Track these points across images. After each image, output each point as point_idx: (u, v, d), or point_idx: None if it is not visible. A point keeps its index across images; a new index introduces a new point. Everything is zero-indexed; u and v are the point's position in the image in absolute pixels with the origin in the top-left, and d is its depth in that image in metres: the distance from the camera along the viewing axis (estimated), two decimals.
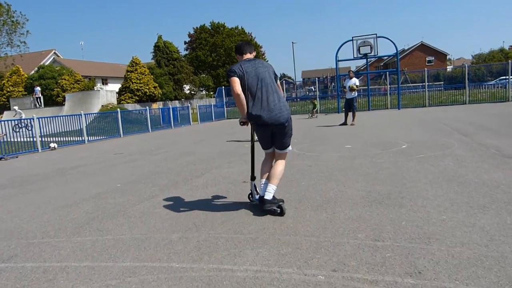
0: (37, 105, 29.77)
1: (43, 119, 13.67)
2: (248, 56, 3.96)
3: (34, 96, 30.21)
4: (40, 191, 5.94)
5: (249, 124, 3.92)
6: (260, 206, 3.86)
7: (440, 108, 20.51)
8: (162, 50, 47.30)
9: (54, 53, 56.34)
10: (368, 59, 23.66)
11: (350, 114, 13.99)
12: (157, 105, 38.81)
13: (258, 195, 4.02)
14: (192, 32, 63.11)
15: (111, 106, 25.75)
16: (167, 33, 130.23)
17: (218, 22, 62.20)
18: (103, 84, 54.17)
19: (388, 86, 25.95)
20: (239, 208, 4.11)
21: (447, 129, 10.36)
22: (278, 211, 3.74)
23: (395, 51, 22.75)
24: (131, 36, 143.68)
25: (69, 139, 15.24)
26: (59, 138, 15.19)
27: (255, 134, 3.99)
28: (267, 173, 3.93)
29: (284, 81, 41.25)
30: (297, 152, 8.07)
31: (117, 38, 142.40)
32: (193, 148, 10.29)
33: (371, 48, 21.87)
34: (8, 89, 38.15)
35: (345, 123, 13.97)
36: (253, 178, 4.16)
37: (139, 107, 35.36)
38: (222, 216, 3.87)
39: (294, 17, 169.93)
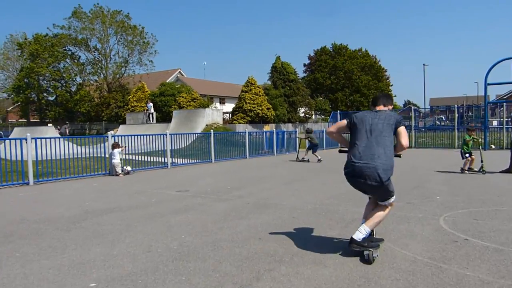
0: (149, 121, 29.81)
1: (121, 137, 11.94)
2: (380, 107, 3.83)
3: (146, 111, 30.41)
4: None
5: None
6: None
7: None
8: (279, 71, 45.70)
9: (179, 72, 59.09)
10: None
11: None
12: (269, 127, 36.90)
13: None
14: (312, 54, 60.99)
15: (216, 126, 24.17)
16: (286, 55, 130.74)
17: (341, 44, 59.00)
18: (220, 103, 54.75)
19: None
20: None
21: None
22: (366, 259, 3.42)
23: None
24: (251, 57, 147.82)
25: (155, 161, 13.43)
26: (147, 158, 13.51)
27: None
28: (366, 211, 3.83)
29: (410, 108, 36.07)
30: (445, 229, 4.44)
31: (238, 59, 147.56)
32: (281, 194, 7.20)
33: None
34: (132, 104, 40.02)
35: (510, 170, 9.53)
36: None
37: (251, 128, 33.73)
38: None
39: (423, 41, 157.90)
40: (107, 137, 11.27)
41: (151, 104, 30.79)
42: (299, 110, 47.39)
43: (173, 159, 13.65)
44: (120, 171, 10.79)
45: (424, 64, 46.71)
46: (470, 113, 41.35)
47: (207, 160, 14.63)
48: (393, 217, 5.16)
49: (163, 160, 13.26)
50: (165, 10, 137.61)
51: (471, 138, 9.95)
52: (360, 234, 3.51)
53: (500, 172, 9.65)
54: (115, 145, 11.08)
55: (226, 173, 11.15)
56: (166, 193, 7.65)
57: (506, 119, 21.14)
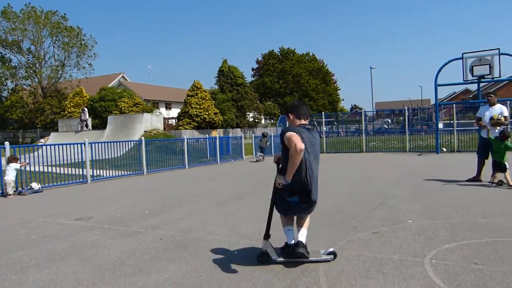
0: (84, 128, 27.11)
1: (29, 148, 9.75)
2: (304, 122, 3.61)
3: (81, 118, 27.67)
4: None
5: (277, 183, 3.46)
6: (292, 251, 3.48)
7: None
8: (226, 75, 44.21)
9: (122, 76, 55.91)
10: (481, 84, 17.76)
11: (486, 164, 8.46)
12: (216, 133, 35.25)
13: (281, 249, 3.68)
14: (260, 58, 60.06)
15: (155, 132, 22.12)
16: (234, 59, 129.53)
17: (288, 48, 58.59)
18: (166, 108, 52.28)
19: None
20: None
21: None
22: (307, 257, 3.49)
23: None
24: (198, 61, 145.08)
25: (76, 174, 11.31)
26: (69, 171, 11.36)
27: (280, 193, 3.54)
28: (291, 220, 3.73)
29: (359, 112, 35.70)
30: (440, 286, 2.96)
31: (184, 62, 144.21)
32: (210, 220, 5.53)
33: (490, 68, 16.00)
34: (70, 110, 36.78)
35: (477, 178, 8.42)
36: (267, 236, 3.62)
37: (198, 134, 31.91)
38: None
39: (368, 45, 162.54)
40: (4, 147, 9.07)
41: (85, 109, 28.06)
42: (248, 114, 46.10)
43: (98, 172, 11.63)
44: (11, 192, 8.61)
45: (371, 67, 46.86)
46: (416, 116, 41.82)
47: (139, 172, 12.67)
48: (358, 259, 3.65)
49: (80, 173, 11.15)
50: (109, 13, 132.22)
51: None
52: (304, 238, 3.55)
53: (467, 180, 8.55)
54: (11, 159, 8.94)
55: (153, 189, 9.30)
56: (60, 222, 5.74)
57: (453, 121, 20.74)
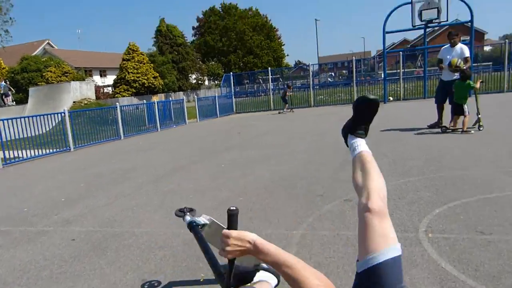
0: (3, 103, 24.18)
1: None
2: None
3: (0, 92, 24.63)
4: None
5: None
6: None
7: None
8: (164, 35, 41.44)
9: (48, 43, 51.05)
10: (427, 30, 17.35)
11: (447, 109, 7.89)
12: (157, 98, 33.28)
13: None
14: (200, 16, 57.09)
15: (86, 102, 20.00)
16: (173, 18, 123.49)
17: (230, 3, 55.99)
18: (101, 76, 48.72)
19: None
20: None
21: None
22: None
23: (470, 18, 15.84)
24: (134, 22, 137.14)
25: None
26: None
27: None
28: None
29: (303, 66, 35.01)
30: (451, 273, 2.07)
31: (119, 25, 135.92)
32: (143, 204, 4.39)
33: (438, 12, 15.43)
34: None
35: (439, 124, 7.81)
36: None
37: (137, 101, 29.81)
38: None
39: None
40: None
41: (3, 83, 24.99)
42: (191, 76, 44.01)
43: (15, 153, 9.94)
44: None
45: (316, 19, 45.82)
46: (359, 68, 41.85)
47: (65, 149, 11.07)
48: (336, 243, 2.71)
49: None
50: None
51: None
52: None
53: (429, 126, 7.96)
54: None
55: (78, 168, 7.89)
56: None
57: (399, 70, 20.49)
